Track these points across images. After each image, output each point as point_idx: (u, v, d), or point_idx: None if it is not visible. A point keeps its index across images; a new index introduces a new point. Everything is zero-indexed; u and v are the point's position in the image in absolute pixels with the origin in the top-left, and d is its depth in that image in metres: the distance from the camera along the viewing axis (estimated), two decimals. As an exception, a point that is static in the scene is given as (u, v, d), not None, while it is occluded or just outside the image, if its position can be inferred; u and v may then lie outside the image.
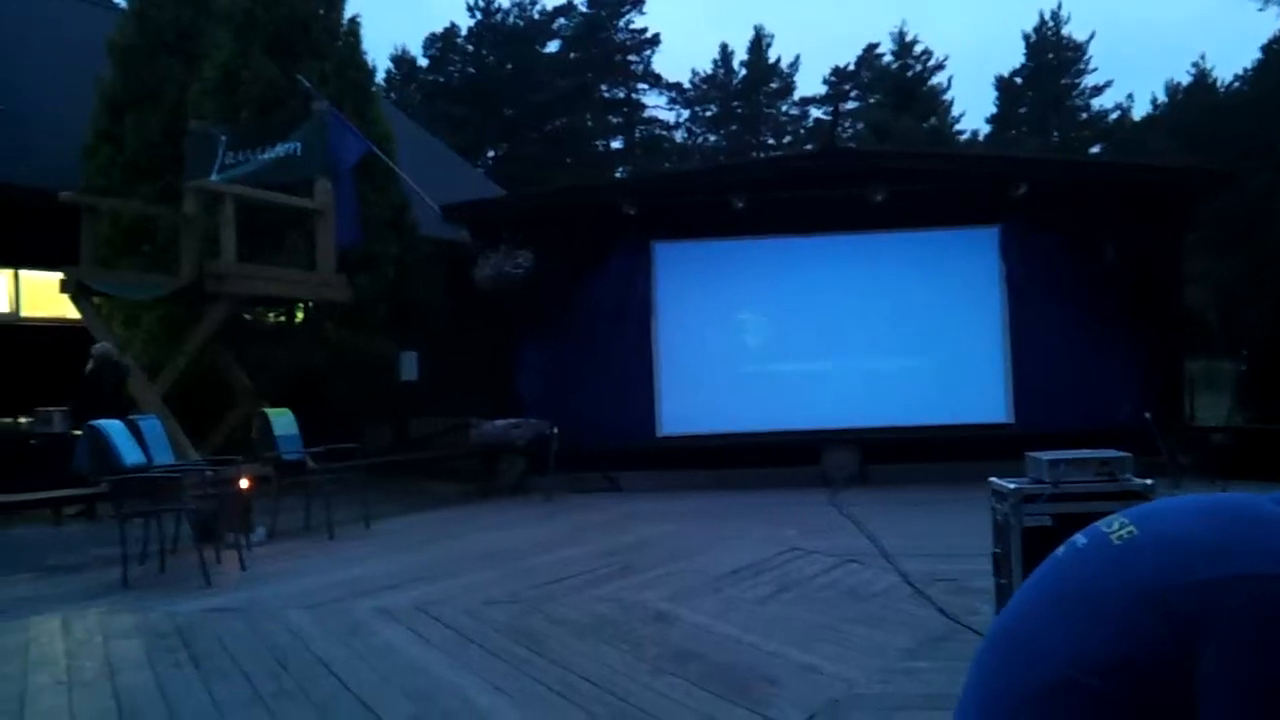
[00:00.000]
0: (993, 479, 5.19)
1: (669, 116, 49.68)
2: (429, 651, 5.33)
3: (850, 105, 47.27)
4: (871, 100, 45.95)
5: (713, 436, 12.71)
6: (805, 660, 4.93)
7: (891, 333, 12.73)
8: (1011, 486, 4.95)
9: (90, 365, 10.03)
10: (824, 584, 6.71)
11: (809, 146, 41.60)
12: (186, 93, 13.62)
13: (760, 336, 13.07)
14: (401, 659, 5.22)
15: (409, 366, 14.91)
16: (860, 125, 44.28)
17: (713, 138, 49.56)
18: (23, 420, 11.78)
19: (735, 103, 49.01)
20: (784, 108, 49.72)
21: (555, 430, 12.23)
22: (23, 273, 14.11)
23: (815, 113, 48.97)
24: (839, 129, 44.02)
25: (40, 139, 14.45)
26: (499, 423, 12.78)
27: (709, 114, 49.65)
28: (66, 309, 11.77)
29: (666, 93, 48.66)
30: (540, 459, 12.32)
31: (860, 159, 15.61)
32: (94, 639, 5.77)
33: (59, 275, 11.09)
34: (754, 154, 44.28)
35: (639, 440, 12.81)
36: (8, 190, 13.07)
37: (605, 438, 12.65)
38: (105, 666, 5.19)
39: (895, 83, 44.06)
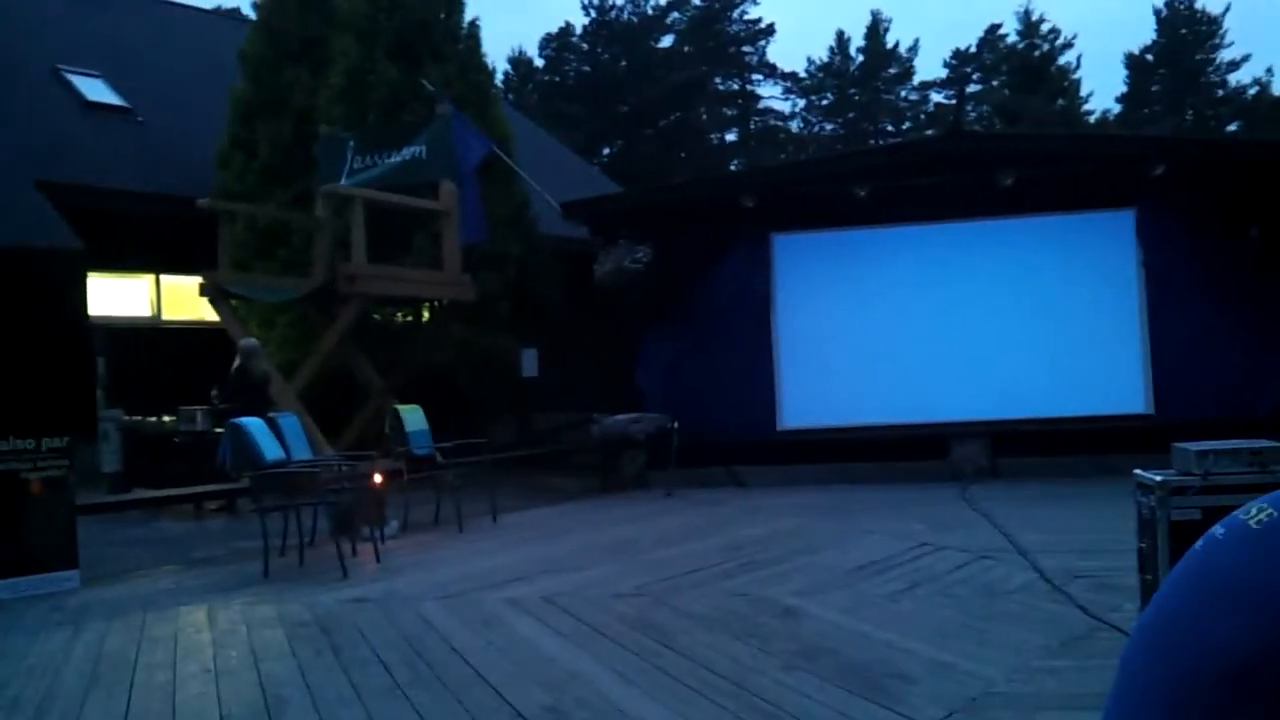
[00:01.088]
0: (1138, 471, 4.98)
1: (784, 107, 49.16)
2: (559, 642, 5.38)
3: (973, 88, 45.95)
4: (995, 82, 44.64)
5: (836, 430, 12.49)
6: (940, 658, 4.81)
7: (1022, 321, 12.31)
8: (1158, 479, 4.75)
9: (238, 361, 10.39)
10: (957, 580, 6.55)
11: (930, 131, 40.67)
12: (315, 99, 14.02)
13: (884, 327, 12.67)
14: (533, 649, 5.28)
15: (530, 363, 15.07)
16: (984, 108, 43.08)
17: (829, 126, 48.81)
18: (166, 419, 12.27)
19: (852, 90, 48.17)
20: (903, 93, 48.72)
21: (676, 424, 12.22)
22: (163, 277, 14.73)
23: (935, 97, 47.84)
24: (964, 112, 42.82)
25: (177, 149, 15.06)
26: (620, 417, 12.81)
27: (825, 103, 48.90)
28: (205, 311, 12.21)
29: (782, 83, 48.12)
30: (661, 453, 12.32)
31: (987, 142, 15.20)
32: (238, 629, 5.98)
33: (197, 279, 11.47)
34: (872, 141, 43.48)
35: (760, 434, 12.69)
36: (147, 199, 13.65)
37: (726, 431, 12.57)
38: (249, 655, 5.38)
39: (1021, 63, 42.59)
